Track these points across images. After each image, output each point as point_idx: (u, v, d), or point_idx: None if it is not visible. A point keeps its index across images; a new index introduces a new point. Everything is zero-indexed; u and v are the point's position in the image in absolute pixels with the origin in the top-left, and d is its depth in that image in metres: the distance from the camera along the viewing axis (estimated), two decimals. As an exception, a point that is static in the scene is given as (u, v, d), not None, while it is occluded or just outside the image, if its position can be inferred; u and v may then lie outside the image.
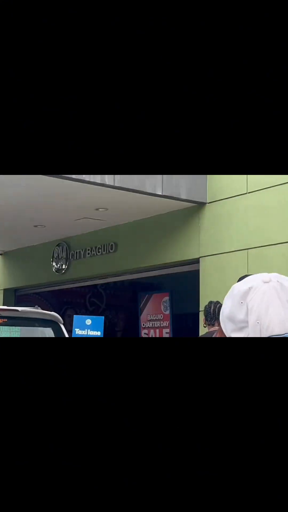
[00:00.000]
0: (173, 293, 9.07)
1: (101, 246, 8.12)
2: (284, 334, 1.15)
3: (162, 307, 9.24)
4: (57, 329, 5.89)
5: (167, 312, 9.02)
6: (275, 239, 6.17)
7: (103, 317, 6.63)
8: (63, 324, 6.17)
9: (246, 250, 6.43)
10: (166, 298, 9.07)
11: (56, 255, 8.95)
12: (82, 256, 8.51)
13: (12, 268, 10.14)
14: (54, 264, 8.98)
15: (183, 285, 8.98)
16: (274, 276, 1.14)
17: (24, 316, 5.82)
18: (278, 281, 1.09)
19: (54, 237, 8.82)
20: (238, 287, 1.12)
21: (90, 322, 6.85)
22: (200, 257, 6.95)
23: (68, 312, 11.22)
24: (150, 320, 9.63)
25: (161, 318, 9.34)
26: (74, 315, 6.63)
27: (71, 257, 8.68)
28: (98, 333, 6.77)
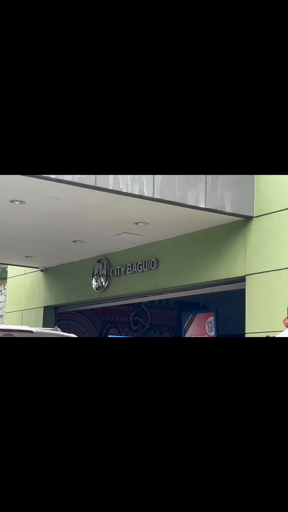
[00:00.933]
0: (218, 313, 8.55)
1: (142, 262, 7.78)
2: None
3: (207, 327, 8.74)
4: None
5: (212, 333, 8.47)
6: None
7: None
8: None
9: None
10: (211, 318, 8.59)
11: (97, 271, 8.65)
12: (122, 273, 8.19)
13: (53, 284, 9.95)
14: (94, 281, 8.68)
15: (228, 304, 8.52)
16: None
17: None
18: None
19: (94, 253, 8.59)
20: None
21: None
22: (246, 275, 6.45)
23: (111, 331, 10.93)
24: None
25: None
26: (109, 335, 6.27)
27: (111, 274, 8.35)
28: None
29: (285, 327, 3.99)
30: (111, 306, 10.37)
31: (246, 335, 6.12)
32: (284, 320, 3.79)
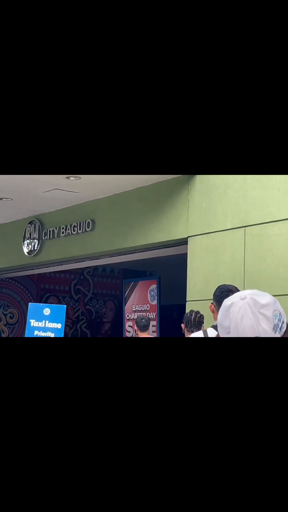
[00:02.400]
0: (162, 280, 8.27)
1: (77, 223, 7.37)
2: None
3: (149, 296, 8.53)
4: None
5: (154, 302, 8.27)
6: (278, 215, 5.35)
7: (65, 306, 6.09)
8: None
9: (243, 228, 5.60)
10: (154, 286, 8.35)
11: (28, 234, 8.18)
12: (56, 236, 7.77)
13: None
14: (25, 244, 8.21)
15: (173, 271, 8.11)
16: (249, 293, 1.54)
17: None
18: (251, 298, 1.51)
19: (25, 214, 8.15)
20: (225, 303, 1.57)
21: (49, 312, 6.20)
22: (189, 236, 6.14)
23: (50, 301, 10.38)
24: (135, 311, 8.88)
25: (148, 309, 8.65)
26: (30, 303, 5.95)
27: (44, 237, 7.92)
28: (58, 326, 6.17)
29: (211, 312, 3.63)
30: (49, 273, 9.82)
31: (187, 304, 5.86)
32: (211, 306, 3.41)
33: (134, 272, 10.23)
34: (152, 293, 8.33)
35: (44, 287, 10.59)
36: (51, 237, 8.33)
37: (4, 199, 7.31)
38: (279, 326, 1.53)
